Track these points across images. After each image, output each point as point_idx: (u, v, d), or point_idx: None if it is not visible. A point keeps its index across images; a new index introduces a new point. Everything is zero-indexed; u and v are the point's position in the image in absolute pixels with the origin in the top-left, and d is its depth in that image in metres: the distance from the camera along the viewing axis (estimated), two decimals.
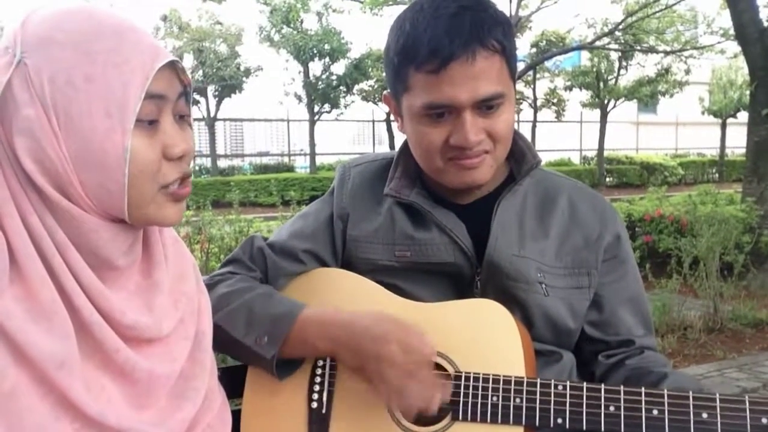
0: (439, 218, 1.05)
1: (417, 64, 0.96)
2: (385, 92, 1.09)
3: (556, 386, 0.91)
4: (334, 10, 16.96)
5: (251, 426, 1.02)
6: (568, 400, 0.90)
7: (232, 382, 1.03)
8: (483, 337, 0.96)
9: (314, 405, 0.99)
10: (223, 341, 0.97)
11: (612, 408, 0.88)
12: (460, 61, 0.93)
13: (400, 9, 1.04)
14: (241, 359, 1.04)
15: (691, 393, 0.87)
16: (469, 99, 0.95)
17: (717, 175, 21.00)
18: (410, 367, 0.89)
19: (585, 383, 0.91)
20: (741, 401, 0.85)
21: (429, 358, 0.91)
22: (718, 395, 0.85)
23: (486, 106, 0.96)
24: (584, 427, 0.89)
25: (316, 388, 1.00)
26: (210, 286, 0.99)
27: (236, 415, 1.00)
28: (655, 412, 0.87)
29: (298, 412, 0.99)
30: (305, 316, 0.97)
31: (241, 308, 0.99)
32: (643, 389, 0.89)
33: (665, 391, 0.88)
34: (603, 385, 0.90)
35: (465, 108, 0.95)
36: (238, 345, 0.98)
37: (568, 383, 0.91)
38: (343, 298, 1.05)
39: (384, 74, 1.08)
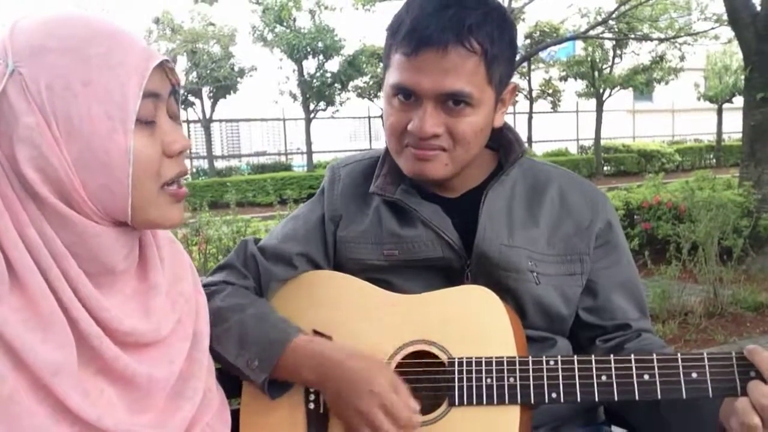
0: (423, 214, 1.05)
1: (396, 44, 0.98)
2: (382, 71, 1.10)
3: (547, 362, 0.92)
4: (326, 8, 16.92)
5: (250, 428, 1.02)
6: (560, 374, 0.91)
7: (231, 382, 1.03)
8: (472, 322, 0.97)
9: (312, 406, 0.99)
10: (216, 358, 0.97)
11: (604, 377, 0.89)
12: (432, 49, 0.94)
13: (392, 5, 1.05)
14: (235, 374, 1.02)
15: (679, 354, 0.88)
16: (432, 89, 0.95)
17: (714, 160, 20.98)
18: None
19: (576, 356, 0.92)
20: (728, 358, 0.86)
21: (410, 426, 0.89)
22: (705, 354, 0.86)
23: (452, 101, 0.96)
24: (578, 399, 0.90)
25: (313, 389, 0.99)
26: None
27: (235, 415, 1.00)
28: (646, 376, 0.88)
29: (296, 413, 0.99)
30: (297, 345, 0.95)
31: (233, 329, 0.98)
32: (632, 356, 0.90)
33: (654, 356, 0.89)
34: (593, 356, 0.91)
35: (428, 97, 0.96)
36: (229, 364, 0.98)
37: (559, 358, 0.92)
38: (334, 298, 1.05)
39: (379, 70, 1.09)
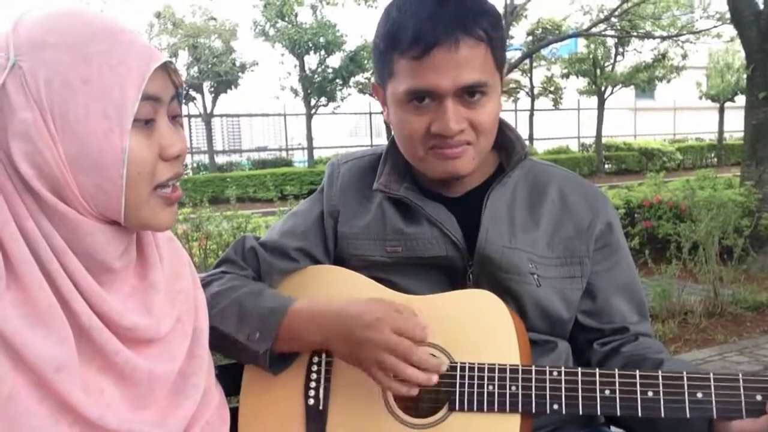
0: (429, 212, 1.05)
1: (401, 50, 0.96)
2: (373, 81, 1.09)
3: (551, 372, 0.91)
4: (328, 3, 16.85)
5: (249, 424, 1.02)
6: (563, 385, 0.90)
7: (230, 380, 1.03)
8: (476, 327, 0.97)
9: (311, 401, 0.99)
10: (216, 339, 0.96)
11: (607, 391, 0.89)
12: (444, 47, 0.93)
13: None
14: (236, 357, 1.03)
15: (685, 373, 0.87)
16: (451, 86, 0.95)
17: (715, 159, 20.95)
18: (405, 350, 0.88)
19: (580, 368, 0.91)
20: (735, 379, 0.85)
21: (422, 339, 0.90)
22: (712, 374, 0.86)
23: (468, 94, 0.96)
24: (580, 412, 0.90)
25: (312, 384, 1.00)
26: (203, 287, 0.98)
27: (234, 413, 1.00)
28: (650, 393, 0.87)
29: (295, 409, 1.00)
30: (296, 309, 0.97)
31: (233, 305, 0.99)
32: (637, 372, 0.89)
33: (660, 373, 0.88)
34: (598, 370, 0.90)
35: (447, 95, 0.95)
36: (231, 342, 0.98)
37: (563, 369, 0.92)
38: (335, 294, 1.05)
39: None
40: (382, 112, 1.09)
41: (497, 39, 0.98)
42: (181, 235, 4.07)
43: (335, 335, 0.93)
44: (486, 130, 0.99)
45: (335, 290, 1.05)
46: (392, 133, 1.10)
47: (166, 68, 0.76)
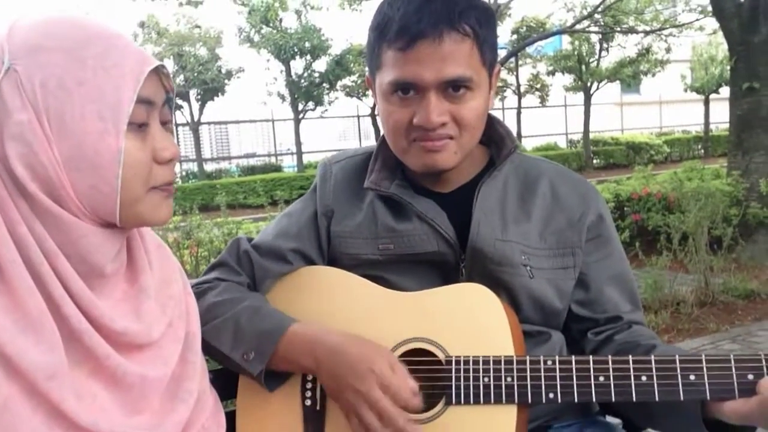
0: (419, 208, 1.05)
1: (388, 41, 0.97)
2: (367, 75, 1.10)
3: (545, 362, 0.92)
4: (312, 7, 16.89)
5: (246, 427, 1.02)
6: (557, 374, 0.91)
7: (225, 384, 1.03)
8: (470, 320, 0.97)
9: (308, 402, 0.99)
10: (210, 353, 0.97)
11: (602, 378, 0.89)
12: (428, 40, 0.94)
13: (378, 3, 1.04)
14: (230, 369, 1.02)
15: (677, 356, 0.87)
16: (434, 79, 0.95)
17: (702, 150, 21.12)
18: (386, 413, 0.88)
19: (573, 357, 0.92)
20: (726, 360, 0.85)
21: (408, 403, 0.89)
22: (704, 356, 0.86)
23: (452, 88, 0.97)
24: (576, 399, 0.90)
25: (309, 385, 1.00)
26: (198, 294, 0.98)
27: (230, 416, 1.00)
28: (643, 378, 0.88)
29: (292, 411, 0.99)
30: (292, 334, 0.96)
31: (228, 322, 0.99)
32: (630, 357, 0.89)
33: (652, 357, 0.89)
34: (591, 357, 0.91)
35: (430, 88, 0.96)
36: (225, 358, 0.98)
37: (557, 358, 0.92)
38: (330, 295, 1.05)
39: (367, 69, 1.09)
40: (370, 114, 1.09)
41: (485, 36, 0.98)
42: (171, 243, 4.06)
43: (326, 371, 0.93)
44: (469, 125, 1.00)
45: (328, 292, 1.05)
46: (381, 133, 1.10)
47: (158, 73, 0.77)
